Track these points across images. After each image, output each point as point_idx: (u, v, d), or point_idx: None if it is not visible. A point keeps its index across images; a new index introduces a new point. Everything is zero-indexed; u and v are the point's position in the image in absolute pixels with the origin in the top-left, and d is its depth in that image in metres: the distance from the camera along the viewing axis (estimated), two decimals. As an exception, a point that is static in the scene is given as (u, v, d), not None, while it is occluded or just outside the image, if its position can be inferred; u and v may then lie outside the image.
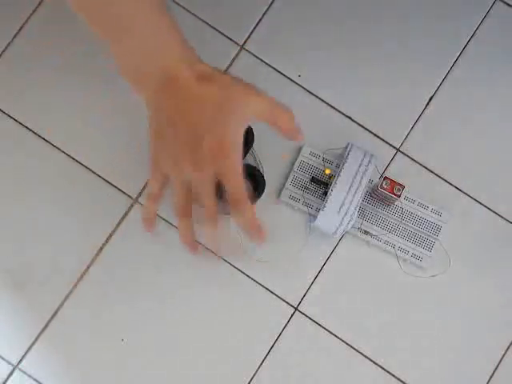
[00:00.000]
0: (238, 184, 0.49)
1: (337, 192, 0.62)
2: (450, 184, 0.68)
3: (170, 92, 0.46)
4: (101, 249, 0.66)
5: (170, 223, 0.66)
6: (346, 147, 0.65)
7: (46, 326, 0.65)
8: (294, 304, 0.66)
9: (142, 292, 0.65)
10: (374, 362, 0.65)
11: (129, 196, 0.67)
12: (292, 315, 0.66)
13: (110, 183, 0.67)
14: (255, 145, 0.62)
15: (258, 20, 0.70)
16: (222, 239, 0.54)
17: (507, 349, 0.66)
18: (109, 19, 0.46)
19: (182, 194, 0.51)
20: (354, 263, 0.67)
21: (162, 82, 0.46)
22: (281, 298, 0.66)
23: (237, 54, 0.69)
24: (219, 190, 0.62)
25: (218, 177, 0.48)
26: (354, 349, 0.65)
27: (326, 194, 0.66)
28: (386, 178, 0.62)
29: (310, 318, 0.66)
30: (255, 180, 0.62)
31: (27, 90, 0.68)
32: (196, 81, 0.46)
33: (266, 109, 0.49)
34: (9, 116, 0.68)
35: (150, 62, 0.46)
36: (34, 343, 0.64)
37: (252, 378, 0.64)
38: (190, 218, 0.53)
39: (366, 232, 0.66)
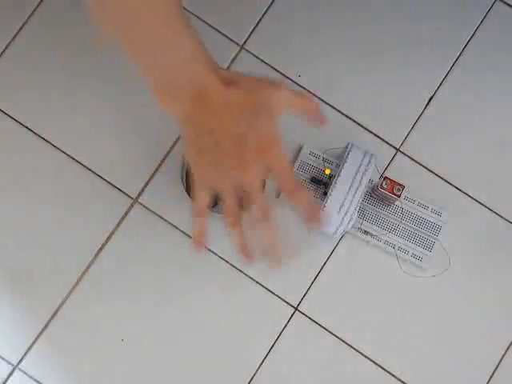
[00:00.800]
0: (288, 173, 0.49)
1: (337, 192, 0.62)
2: (450, 184, 0.68)
3: (203, 103, 0.47)
4: (101, 249, 0.66)
5: (171, 224, 0.66)
6: (346, 147, 0.65)
7: (46, 326, 0.65)
8: (294, 304, 0.66)
9: (141, 292, 0.65)
10: (373, 362, 0.65)
11: (129, 196, 0.67)
12: (292, 315, 0.66)
13: (110, 183, 0.67)
14: (255, 145, 0.62)
15: (258, 20, 0.70)
16: (279, 239, 0.53)
17: (507, 349, 0.66)
18: (130, 39, 0.46)
19: (233, 202, 0.51)
20: (354, 263, 0.67)
21: (194, 94, 0.47)
22: (281, 298, 0.66)
23: (237, 54, 0.69)
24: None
25: (270, 170, 0.49)
26: (354, 349, 0.65)
27: (325, 194, 0.66)
28: (385, 178, 0.62)
29: (309, 318, 0.66)
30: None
31: (27, 90, 0.68)
32: (225, 87, 0.47)
33: (294, 99, 0.50)
34: (9, 116, 0.68)
35: (179, 77, 0.47)
36: (33, 343, 0.64)
37: (252, 378, 0.64)
38: (242, 226, 0.53)
39: (366, 232, 0.66)
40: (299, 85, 0.69)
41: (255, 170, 0.48)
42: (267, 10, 0.70)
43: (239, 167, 0.48)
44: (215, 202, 0.66)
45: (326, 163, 0.67)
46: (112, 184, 0.67)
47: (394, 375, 0.65)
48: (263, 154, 0.48)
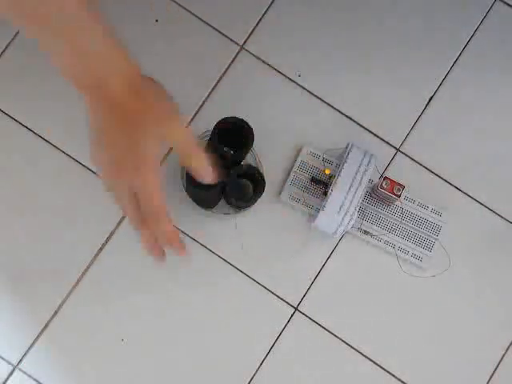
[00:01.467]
0: (151, 197, 0.47)
1: (337, 192, 0.62)
2: (450, 184, 0.68)
3: (103, 105, 0.46)
4: (101, 249, 0.66)
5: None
6: (346, 147, 0.65)
7: (46, 326, 0.65)
8: (293, 304, 0.66)
9: (141, 292, 0.65)
10: (373, 362, 0.65)
11: (129, 196, 0.67)
12: (292, 315, 0.66)
13: (110, 183, 0.67)
14: (255, 145, 0.62)
15: (258, 20, 0.70)
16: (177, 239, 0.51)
17: (507, 349, 0.66)
18: (34, 15, 0.43)
19: (129, 205, 0.50)
20: (354, 263, 0.67)
21: (95, 92, 0.46)
22: (281, 298, 0.66)
23: (237, 54, 0.69)
24: (224, 191, 0.62)
25: (135, 190, 0.48)
26: (354, 349, 0.65)
27: (325, 193, 0.66)
28: (385, 177, 0.62)
29: (310, 318, 0.66)
30: (255, 180, 0.62)
31: (27, 90, 0.68)
32: (127, 95, 0.46)
33: (181, 140, 0.48)
34: (9, 116, 0.68)
35: (83, 68, 0.46)
36: (33, 343, 0.64)
37: (252, 378, 0.64)
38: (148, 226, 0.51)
39: (365, 232, 0.66)
40: (299, 85, 0.69)
41: (125, 181, 0.47)
42: (267, 9, 0.70)
43: (116, 172, 0.48)
44: (215, 202, 0.66)
45: (325, 163, 0.67)
46: (112, 184, 0.67)
47: (394, 375, 0.65)
48: (132, 172, 0.47)
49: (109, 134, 0.47)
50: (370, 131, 0.69)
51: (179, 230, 0.66)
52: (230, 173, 0.60)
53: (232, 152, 0.62)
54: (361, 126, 0.69)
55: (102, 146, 0.47)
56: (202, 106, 0.68)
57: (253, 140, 0.61)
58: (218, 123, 0.60)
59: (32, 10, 0.42)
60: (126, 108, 0.46)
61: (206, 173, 0.48)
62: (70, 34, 0.44)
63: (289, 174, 0.67)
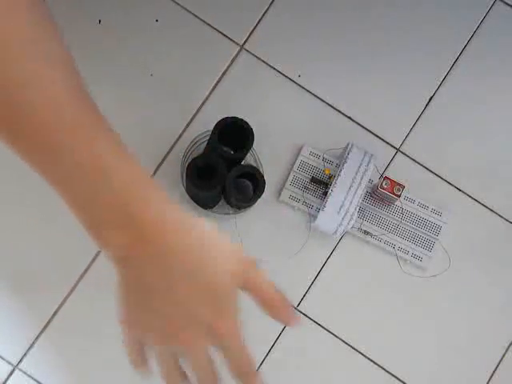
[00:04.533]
0: (243, 355, 0.42)
1: (337, 192, 0.62)
2: (450, 184, 0.68)
3: (145, 255, 0.37)
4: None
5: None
6: (346, 147, 0.65)
7: (46, 326, 0.65)
8: (293, 304, 0.66)
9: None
10: (373, 362, 0.65)
11: (129, 196, 0.67)
12: (292, 315, 0.66)
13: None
14: (255, 145, 0.62)
15: (258, 20, 0.70)
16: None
17: (507, 349, 0.66)
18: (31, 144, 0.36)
19: (168, 362, 0.44)
20: (354, 263, 0.67)
21: (129, 237, 0.37)
22: (281, 298, 0.66)
23: (237, 54, 0.69)
24: (224, 191, 0.62)
25: (219, 348, 0.42)
26: (354, 348, 0.65)
27: (326, 193, 0.66)
28: (386, 177, 0.62)
29: (309, 318, 0.66)
30: (255, 180, 0.62)
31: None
32: (173, 238, 0.37)
33: (265, 288, 0.42)
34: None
35: (106, 208, 0.36)
36: (34, 343, 0.64)
37: (252, 378, 0.64)
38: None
39: (365, 232, 0.66)
40: (299, 85, 0.69)
41: (203, 343, 0.41)
42: (267, 9, 0.70)
43: (183, 340, 0.40)
44: (215, 202, 0.66)
45: (325, 163, 0.67)
46: (112, 184, 0.67)
47: (394, 375, 0.65)
48: (214, 334, 0.41)
49: (163, 299, 0.38)
50: (370, 131, 0.69)
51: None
52: (230, 173, 0.60)
53: (232, 152, 0.62)
54: (361, 126, 0.69)
55: (148, 311, 0.39)
56: (202, 105, 0.68)
57: (253, 140, 0.61)
58: (218, 123, 0.60)
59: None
60: (177, 249, 0.37)
61: (295, 320, 0.43)
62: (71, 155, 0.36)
63: (289, 174, 0.67)
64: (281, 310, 0.42)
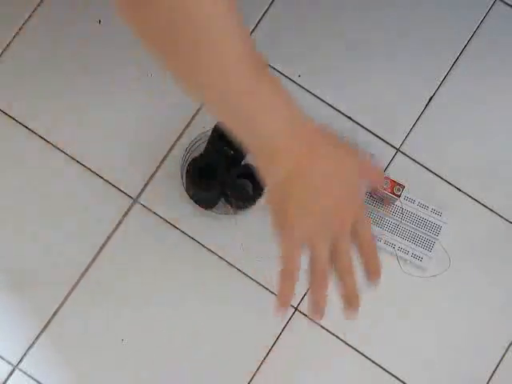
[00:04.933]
0: (369, 233, 0.50)
1: (337, 192, 0.62)
2: (450, 184, 0.68)
3: (312, 162, 0.45)
4: (101, 249, 0.66)
5: (171, 224, 0.66)
6: (346, 147, 0.65)
7: (46, 326, 0.65)
8: (293, 304, 0.66)
9: (141, 292, 0.65)
10: (373, 362, 0.65)
11: (129, 196, 0.67)
12: (292, 315, 0.66)
13: (110, 183, 0.67)
14: (255, 145, 0.62)
15: (258, 20, 0.70)
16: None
17: (507, 349, 0.66)
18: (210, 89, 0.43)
19: (325, 256, 0.50)
20: (354, 263, 0.66)
21: (299, 149, 0.45)
22: (281, 298, 0.66)
23: (237, 54, 0.69)
24: (224, 191, 0.62)
25: (356, 225, 0.49)
26: (354, 349, 0.65)
27: (326, 193, 0.66)
28: (385, 178, 0.62)
29: (310, 318, 0.65)
30: (255, 180, 0.62)
31: (27, 90, 0.68)
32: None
33: (370, 172, 0.49)
34: (9, 116, 0.68)
35: (268, 140, 0.44)
36: (33, 343, 0.64)
37: (252, 378, 0.64)
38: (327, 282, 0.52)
39: (366, 232, 0.66)
40: (299, 85, 0.69)
41: (348, 225, 0.48)
42: (267, 9, 0.70)
43: (339, 222, 0.48)
44: (215, 202, 0.66)
45: (326, 163, 0.67)
46: (112, 184, 0.67)
47: (394, 375, 0.65)
48: (355, 215, 0.48)
49: (319, 187, 0.46)
50: (370, 131, 0.69)
51: (179, 229, 0.66)
52: (230, 173, 0.60)
53: (232, 152, 0.62)
54: (361, 125, 0.69)
55: (310, 211, 0.46)
56: (202, 106, 0.68)
57: (253, 140, 0.61)
58: (218, 123, 0.60)
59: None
60: (337, 155, 0.46)
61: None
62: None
63: (289, 174, 0.67)
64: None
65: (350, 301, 0.51)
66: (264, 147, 0.44)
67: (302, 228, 0.48)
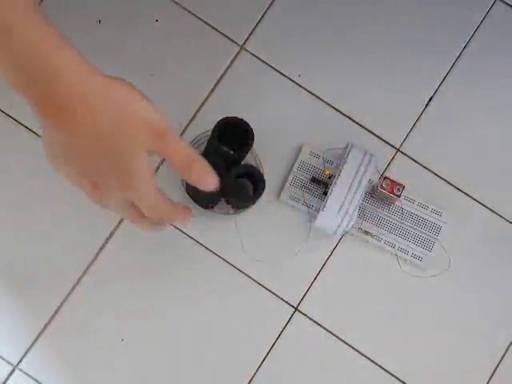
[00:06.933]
0: (155, 206, 0.43)
1: (337, 192, 0.62)
2: (450, 184, 0.68)
3: (52, 110, 0.38)
4: (101, 249, 0.66)
5: (171, 224, 0.66)
6: (346, 147, 0.65)
7: (46, 326, 0.65)
8: (293, 304, 0.66)
9: (141, 292, 0.65)
10: (373, 362, 0.65)
11: (129, 196, 0.67)
12: (292, 315, 0.66)
13: (110, 183, 0.67)
14: (255, 145, 0.62)
15: (258, 20, 0.70)
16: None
17: (507, 349, 0.66)
18: None
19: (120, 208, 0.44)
20: (354, 263, 0.67)
21: (39, 85, 0.38)
22: (281, 298, 0.66)
23: (237, 54, 0.69)
24: (224, 191, 0.62)
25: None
26: (354, 349, 0.65)
27: (325, 193, 0.66)
28: (386, 178, 0.62)
29: (309, 318, 0.66)
30: (255, 180, 0.62)
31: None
32: (97, 98, 0.38)
33: (176, 154, 0.41)
34: (9, 116, 0.68)
35: (23, 57, 0.37)
36: (33, 343, 0.64)
37: (252, 378, 0.64)
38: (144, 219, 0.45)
39: (366, 232, 0.66)
40: (299, 85, 0.69)
41: (117, 198, 0.42)
42: (267, 9, 0.70)
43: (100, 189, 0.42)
44: (215, 202, 0.66)
45: (325, 163, 0.67)
46: (112, 184, 0.67)
47: (394, 375, 0.65)
48: (124, 191, 0.41)
49: (76, 149, 0.39)
50: (370, 131, 0.69)
51: (179, 230, 0.66)
52: (230, 173, 0.60)
53: (232, 152, 0.62)
54: (361, 125, 0.69)
55: (71, 161, 0.41)
56: (201, 106, 0.68)
57: (253, 140, 0.61)
58: (218, 123, 0.60)
59: None
60: (100, 115, 0.37)
61: (210, 180, 0.41)
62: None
63: (289, 174, 0.67)
64: (193, 167, 0.41)
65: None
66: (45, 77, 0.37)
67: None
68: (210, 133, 0.61)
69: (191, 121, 0.68)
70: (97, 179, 0.41)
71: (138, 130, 0.39)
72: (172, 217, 0.44)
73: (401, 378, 0.65)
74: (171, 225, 0.57)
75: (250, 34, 0.70)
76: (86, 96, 0.38)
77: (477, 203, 0.68)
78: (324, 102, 0.69)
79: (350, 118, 0.69)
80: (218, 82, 0.69)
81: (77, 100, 0.37)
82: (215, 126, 0.60)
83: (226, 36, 0.70)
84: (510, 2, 0.71)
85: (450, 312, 0.66)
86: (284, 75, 0.69)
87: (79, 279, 0.65)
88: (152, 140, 0.39)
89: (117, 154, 0.38)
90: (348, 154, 0.63)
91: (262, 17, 0.70)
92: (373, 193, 0.66)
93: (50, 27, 0.39)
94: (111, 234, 0.66)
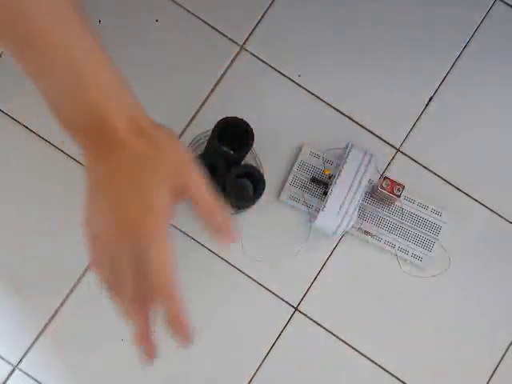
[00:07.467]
0: (164, 265, 0.41)
1: (337, 192, 0.62)
2: (450, 184, 0.68)
3: (102, 149, 0.38)
4: (101, 249, 0.66)
5: (171, 224, 0.66)
6: (346, 147, 0.65)
7: (46, 326, 0.65)
8: (293, 304, 0.66)
9: (142, 292, 0.65)
10: (373, 362, 0.65)
11: (129, 196, 0.67)
12: (292, 315, 0.66)
13: (109, 183, 0.67)
14: (255, 145, 0.62)
15: (258, 20, 0.70)
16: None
17: (507, 349, 0.66)
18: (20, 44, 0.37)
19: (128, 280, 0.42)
20: (354, 263, 0.67)
21: (92, 134, 0.38)
22: (281, 298, 0.66)
23: (237, 54, 0.69)
24: (224, 191, 0.62)
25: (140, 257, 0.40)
26: (354, 349, 0.65)
27: (325, 193, 0.66)
28: (386, 178, 0.62)
29: (310, 318, 0.66)
30: (255, 180, 0.62)
31: (27, 90, 0.68)
32: (133, 134, 0.38)
33: (202, 195, 0.42)
34: (9, 116, 0.68)
35: (81, 108, 0.38)
36: (33, 343, 0.64)
37: (252, 378, 0.64)
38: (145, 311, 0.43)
39: (366, 232, 0.66)
40: (299, 85, 0.69)
41: (125, 246, 0.40)
42: (267, 9, 0.70)
43: (115, 236, 0.40)
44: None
45: (325, 163, 0.67)
46: (112, 184, 0.67)
47: (394, 375, 0.65)
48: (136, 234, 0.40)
49: (109, 185, 0.39)
50: (370, 131, 0.69)
51: (179, 230, 0.66)
52: (230, 173, 0.60)
53: (232, 152, 0.62)
54: (361, 125, 0.69)
55: (98, 204, 0.40)
56: (202, 106, 0.68)
57: (253, 140, 0.61)
58: (218, 123, 0.60)
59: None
60: (134, 150, 0.38)
61: (230, 235, 0.41)
62: (59, 54, 0.37)
63: (289, 174, 0.67)
64: (214, 217, 0.42)
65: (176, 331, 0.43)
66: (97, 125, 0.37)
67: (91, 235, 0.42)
68: (209, 133, 0.61)
69: (191, 121, 0.68)
70: (119, 214, 0.40)
71: (171, 167, 0.40)
72: (173, 301, 0.42)
73: (401, 378, 0.65)
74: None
75: (250, 34, 0.70)
76: (132, 141, 0.38)
77: (477, 203, 0.68)
78: (324, 101, 0.69)
79: (350, 118, 0.69)
80: (218, 82, 0.69)
81: (125, 145, 0.38)
82: (215, 126, 0.60)
83: (225, 36, 0.70)
84: (509, 2, 0.71)
85: (450, 312, 0.66)
86: (284, 75, 0.69)
87: (79, 279, 0.65)
88: (185, 171, 0.41)
89: (146, 178, 0.39)
90: (348, 154, 0.63)
91: (262, 17, 0.70)
92: (373, 193, 0.66)
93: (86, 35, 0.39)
94: (111, 234, 0.66)
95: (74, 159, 0.67)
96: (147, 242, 0.39)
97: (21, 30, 0.36)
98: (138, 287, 0.41)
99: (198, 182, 0.41)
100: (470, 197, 0.68)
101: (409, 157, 0.68)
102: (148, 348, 0.44)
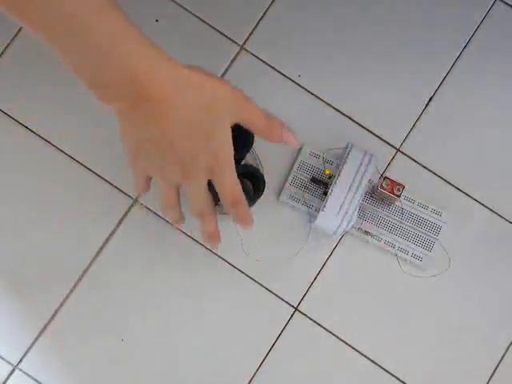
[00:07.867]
0: (235, 187, 0.49)
1: (337, 192, 0.62)
2: (450, 184, 0.68)
3: (143, 102, 0.40)
4: (101, 249, 0.66)
5: (171, 224, 0.66)
6: (346, 147, 0.65)
7: (46, 325, 0.65)
8: (293, 304, 0.66)
9: (141, 292, 0.65)
10: (373, 362, 0.65)
11: (129, 196, 0.67)
12: (292, 315, 0.66)
13: (110, 183, 0.67)
14: (255, 145, 0.62)
15: (258, 20, 0.70)
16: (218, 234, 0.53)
17: (507, 349, 0.66)
18: (51, 18, 0.39)
19: (173, 196, 0.50)
20: (354, 263, 0.67)
21: (133, 95, 0.40)
22: (281, 298, 0.66)
23: (237, 54, 0.69)
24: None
25: (214, 181, 0.47)
26: (354, 349, 0.65)
27: (325, 193, 0.66)
28: (386, 178, 0.62)
29: (310, 318, 0.66)
30: (255, 180, 0.62)
31: (27, 89, 0.68)
32: (174, 91, 0.40)
33: (257, 118, 0.47)
34: (9, 116, 0.68)
35: (113, 67, 0.40)
36: (33, 343, 0.64)
37: (252, 378, 0.64)
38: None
39: (366, 232, 0.66)
40: (299, 85, 0.69)
41: (201, 179, 0.47)
42: (267, 9, 0.70)
43: (183, 176, 0.45)
44: (215, 202, 0.66)
45: (325, 163, 0.67)
46: (112, 184, 0.67)
47: (393, 375, 0.65)
48: (211, 170, 0.46)
49: (164, 150, 0.42)
50: (370, 131, 0.69)
51: (179, 230, 0.66)
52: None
53: (232, 152, 0.62)
54: (361, 126, 0.69)
55: (151, 156, 0.43)
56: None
57: (253, 140, 0.61)
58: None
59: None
60: (192, 105, 0.41)
61: (291, 136, 0.49)
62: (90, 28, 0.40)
63: (289, 174, 0.67)
64: (276, 131, 0.48)
65: (209, 240, 0.52)
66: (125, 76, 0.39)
67: (141, 166, 0.47)
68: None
69: (191, 121, 0.68)
70: (182, 166, 0.44)
71: (225, 110, 0.43)
72: (241, 208, 0.49)
73: (401, 378, 0.65)
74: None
75: (250, 34, 0.70)
76: (178, 91, 0.41)
77: (477, 203, 0.68)
78: (324, 101, 0.69)
79: (350, 118, 0.69)
80: (218, 82, 0.69)
81: (170, 96, 0.41)
82: (215, 126, 0.60)
83: (225, 36, 0.70)
84: (509, 2, 0.71)
85: (450, 312, 0.66)
86: (284, 75, 0.69)
87: (79, 279, 0.65)
88: (235, 112, 0.44)
89: (206, 134, 0.42)
90: (348, 154, 0.63)
91: (262, 17, 0.70)
92: (373, 193, 0.66)
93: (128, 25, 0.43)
94: (111, 235, 0.66)
95: (74, 159, 0.67)
96: (221, 176, 0.46)
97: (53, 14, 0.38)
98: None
99: (253, 109, 0.46)
100: (470, 197, 0.68)
101: (409, 157, 0.68)
102: (216, 239, 0.52)
